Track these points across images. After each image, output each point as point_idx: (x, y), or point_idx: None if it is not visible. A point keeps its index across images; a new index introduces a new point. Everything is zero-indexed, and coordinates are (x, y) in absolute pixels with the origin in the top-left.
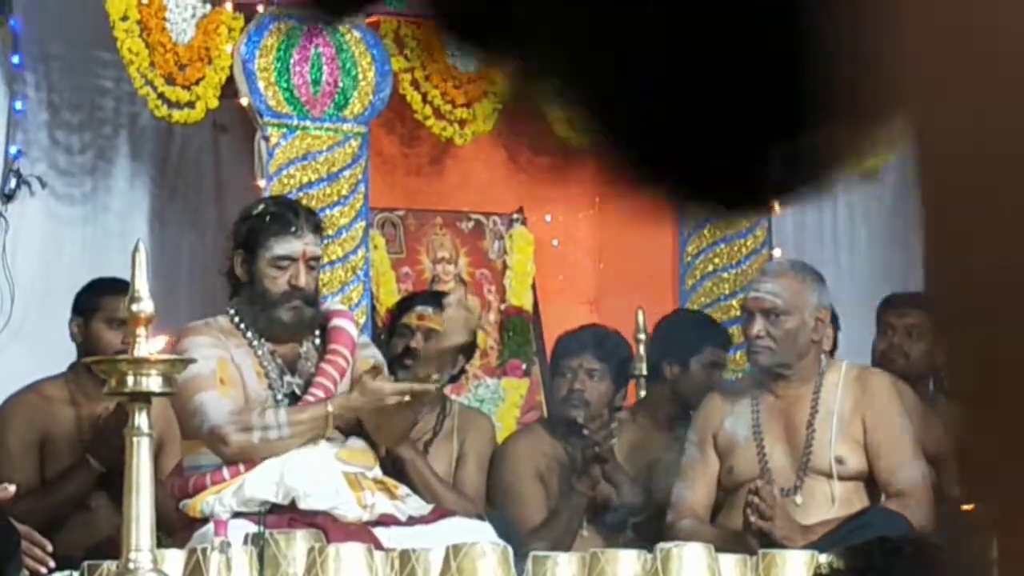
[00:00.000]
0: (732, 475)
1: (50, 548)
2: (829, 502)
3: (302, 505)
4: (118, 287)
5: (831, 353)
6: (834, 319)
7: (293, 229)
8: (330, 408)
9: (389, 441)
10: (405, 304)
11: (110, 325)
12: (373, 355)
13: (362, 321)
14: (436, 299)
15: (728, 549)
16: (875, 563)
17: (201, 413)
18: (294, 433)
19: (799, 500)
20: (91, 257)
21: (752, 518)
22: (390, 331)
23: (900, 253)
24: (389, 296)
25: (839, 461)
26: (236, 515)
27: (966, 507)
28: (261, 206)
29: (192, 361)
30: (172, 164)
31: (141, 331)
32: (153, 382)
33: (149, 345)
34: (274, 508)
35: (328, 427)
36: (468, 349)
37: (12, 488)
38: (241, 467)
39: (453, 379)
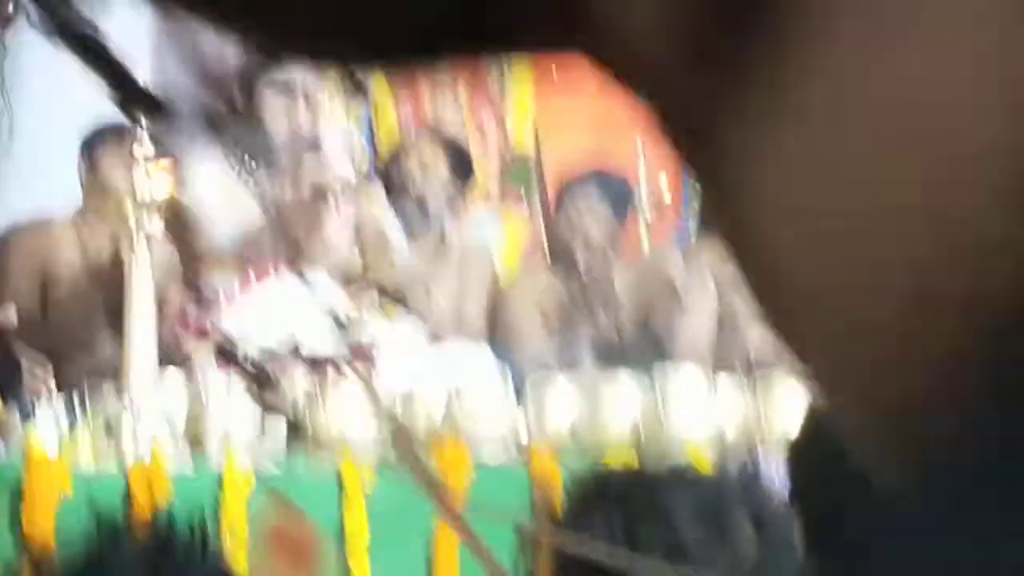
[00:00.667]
0: (731, 309)
1: (50, 370)
2: None
3: (305, 352)
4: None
5: None
6: None
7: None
8: None
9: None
10: (403, 144)
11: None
12: (374, 189)
13: (363, 159)
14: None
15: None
16: None
17: (206, 232)
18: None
19: None
20: (95, 89)
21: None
22: (388, 171)
23: None
24: (389, 135)
25: None
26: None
27: None
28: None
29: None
30: None
31: (148, 174)
32: (155, 225)
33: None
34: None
35: None
36: (463, 185)
37: (13, 316)
38: (236, 292)
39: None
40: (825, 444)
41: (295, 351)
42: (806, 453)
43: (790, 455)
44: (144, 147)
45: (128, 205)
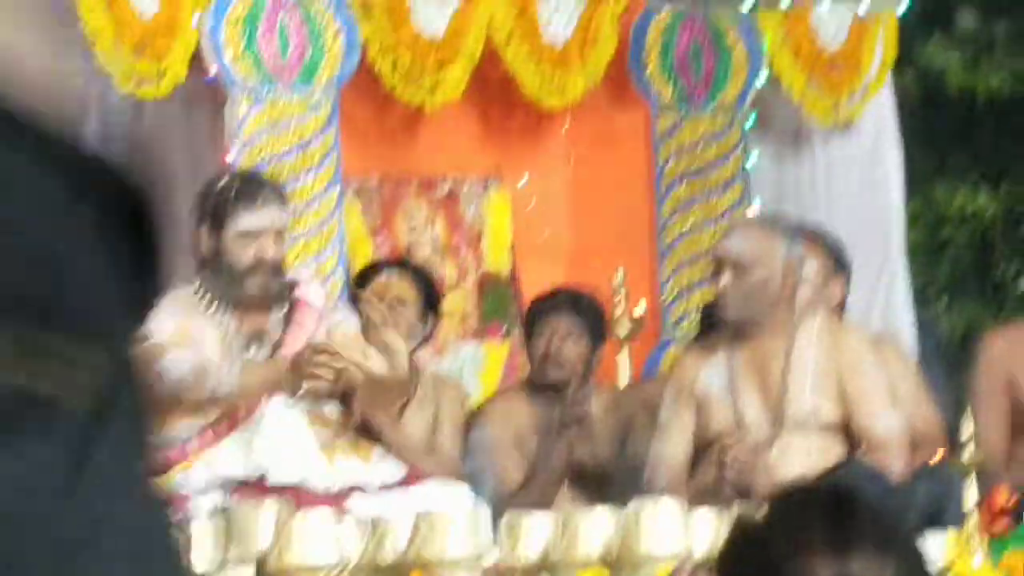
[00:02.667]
0: (708, 430)
1: None
2: (806, 454)
3: (272, 481)
4: None
5: (840, 306)
6: (845, 270)
7: (257, 202)
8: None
9: (376, 408)
10: (369, 271)
11: None
12: (345, 318)
13: (337, 290)
14: (400, 265)
15: (706, 503)
16: (794, 511)
17: (167, 372)
18: (246, 382)
19: (775, 453)
20: None
21: (733, 472)
22: (357, 300)
23: (880, 205)
24: (364, 264)
25: (815, 413)
26: (206, 491)
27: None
28: (224, 179)
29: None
30: (142, 141)
31: None
32: None
33: None
34: (243, 482)
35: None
36: (435, 311)
37: None
38: (210, 434)
39: (422, 343)
40: (752, 555)
41: (263, 481)
42: (733, 567)
43: (718, 566)
44: None
45: None
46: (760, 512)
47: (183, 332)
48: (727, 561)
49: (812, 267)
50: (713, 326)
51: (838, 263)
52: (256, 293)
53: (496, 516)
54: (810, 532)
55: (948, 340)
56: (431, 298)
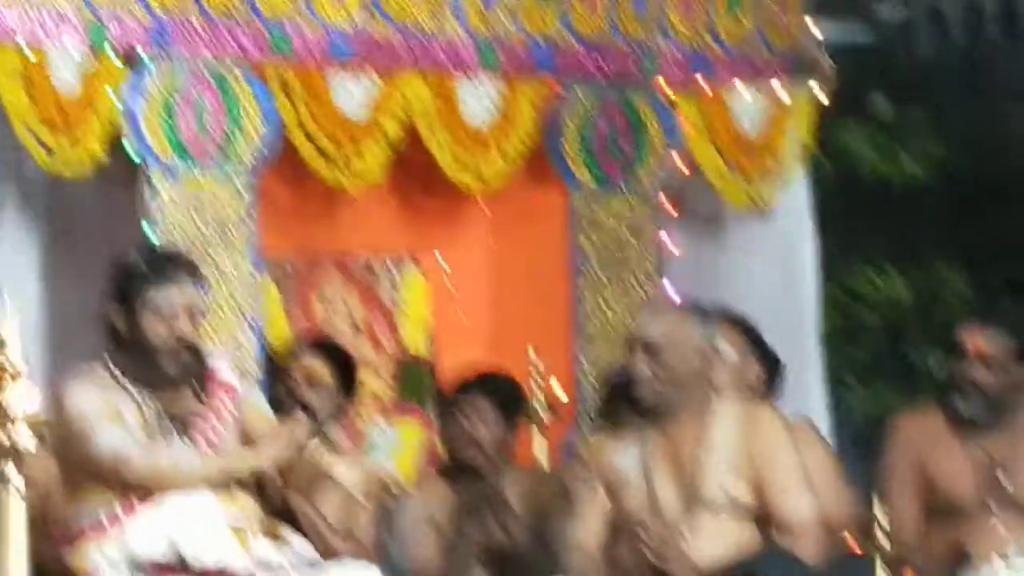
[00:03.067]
0: (623, 514)
1: None
2: (719, 538)
3: (191, 564)
4: None
5: (769, 391)
6: (770, 359)
7: (170, 279)
8: (264, 460)
9: (289, 488)
10: (288, 352)
11: None
12: (257, 397)
13: (253, 369)
14: (316, 345)
15: None
16: None
17: (102, 445)
18: (195, 465)
19: (689, 536)
20: None
21: (649, 555)
22: (274, 379)
23: (795, 290)
24: (282, 343)
25: (728, 496)
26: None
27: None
28: (133, 256)
29: (64, 417)
30: (60, 215)
31: (10, 387)
32: (22, 438)
33: (22, 400)
34: (160, 566)
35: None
36: (350, 393)
37: None
38: (120, 513)
39: (338, 419)
40: None
41: (180, 564)
42: None
43: None
44: (8, 360)
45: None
46: None
47: (108, 406)
48: None
49: (727, 350)
50: (616, 402)
51: (754, 345)
52: (171, 371)
53: None
54: None
55: (862, 424)
56: (347, 377)
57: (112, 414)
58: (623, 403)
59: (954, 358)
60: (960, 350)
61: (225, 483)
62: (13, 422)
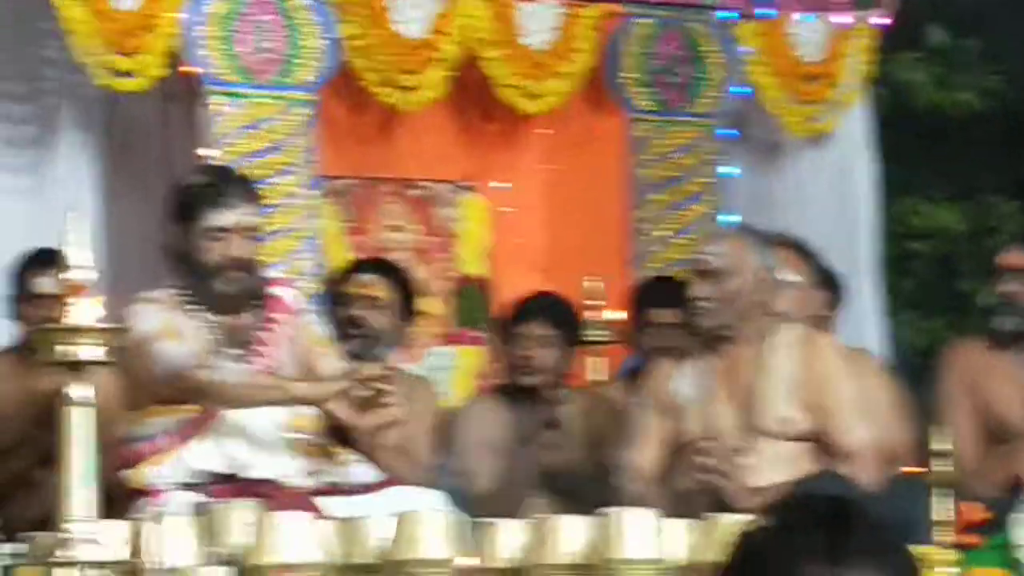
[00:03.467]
0: (680, 438)
1: None
2: (777, 463)
3: (245, 475)
4: (38, 260)
5: (830, 319)
6: (833, 286)
7: (225, 199)
8: (295, 391)
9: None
10: (346, 272)
11: (30, 301)
12: (315, 321)
13: (312, 290)
14: (376, 266)
15: (676, 512)
16: (793, 520)
17: (160, 360)
18: (253, 383)
19: (747, 461)
20: (37, 229)
21: (702, 476)
22: (332, 299)
23: (852, 218)
24: (339, 265)
25: (786, 422)
26: (180, 486)
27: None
28: (192, 178)
29: (125, 329)
30: (118, 134)
31: (75, 300)
32: (88, 351)
33: (87, 314)
34: (217, 478)
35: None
36: (409, 315)
37: None
38: (180, 431)
39: (398, 344)
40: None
41: (237, 479)
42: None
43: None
44: (74, 273)
45: (64, 333)
46: (761, 522)
47: (169, 326)
48: (728, 570)
49: (790, 275)
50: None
51: (818, 271)
52: (226, 291)
53: (468, 520)
54: (809, 541)
55: (911, 354)
56: (408, 300)
57: (173, 332)
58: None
59: (994, 279)
60: (999, 269)
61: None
62: (79, 337)
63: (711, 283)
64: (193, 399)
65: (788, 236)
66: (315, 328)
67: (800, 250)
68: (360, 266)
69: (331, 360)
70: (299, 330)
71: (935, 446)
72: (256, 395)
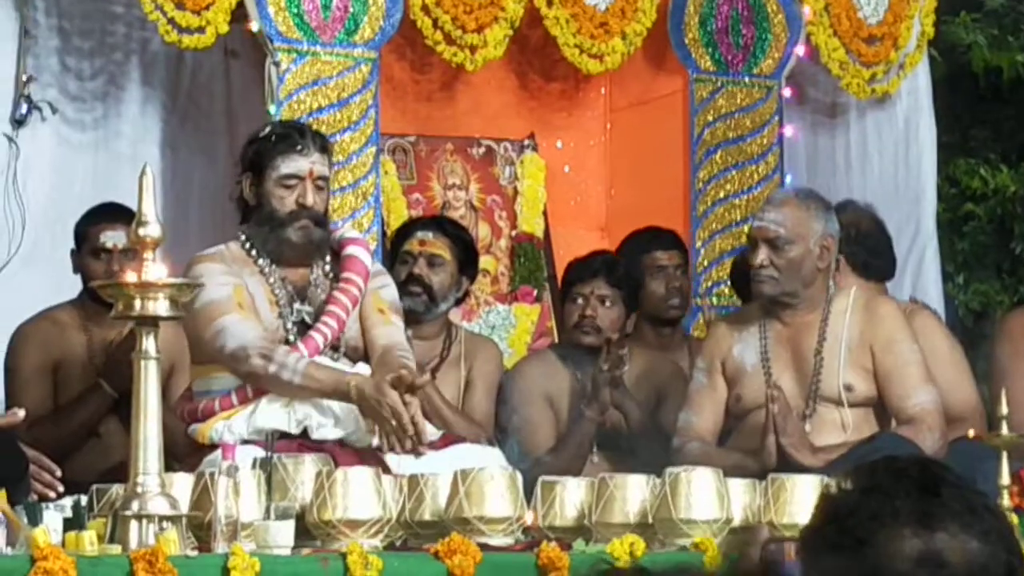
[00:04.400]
0: (740, 403)
1: (58, 473)
2: (839, 429)
3: (315, 435)
4: (105, 215)
5: (883, 279)
6: (885, 245)
7: (299, 148)
8: (351, 388)
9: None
10: (406, 229)
11: (95, 255)
12: (386, 284)
13: (373, 247)
14: (437, 223)
15: (735, 474)
16: (881, 483)
17: (224, 335)
18: (305, 384)
19: (809, 427)
20: (102, 183)
21: (772, 434)
22: (392, 257)
23: (913, 179)
24: (399, 222)
25: (848, 388)
26: (246, 442)
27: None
28: (267, 128)
29: (199, 285)
30: (183, 90)
31: (148, 255)
32: (160, 306)
33: (158, 270)
34: (284, 435)
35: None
36: (471, 272)
37: (22, 413)
38: (250, 392)
39: (457, 302)
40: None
41: (304, 436)
42: (816, 539)
43: (801, 541)
44: (147, 229)
45: (132, 288)
46: (846, 484)
47: (239, 293)
48: (812, 532)
49: (851, 239)
50: (744, 293)
51: (878, 235)
52: (298, 242)
53: (528, 478)
54: (897, 505)
55: (965, 316)
56: (467, 258)
57: (242, 301)
58: (742, 292)
59: None
60: None
61: (349, 359)
62: (151, 292)
63: (774, 250)
64: (247, 381)
65: (847, 199)
66: (386, 291)
67: (859, 212)
68: (420, 224)
69: (389, 330)
70: (369, 290)
71: (999, 411)
72: (309, 392)
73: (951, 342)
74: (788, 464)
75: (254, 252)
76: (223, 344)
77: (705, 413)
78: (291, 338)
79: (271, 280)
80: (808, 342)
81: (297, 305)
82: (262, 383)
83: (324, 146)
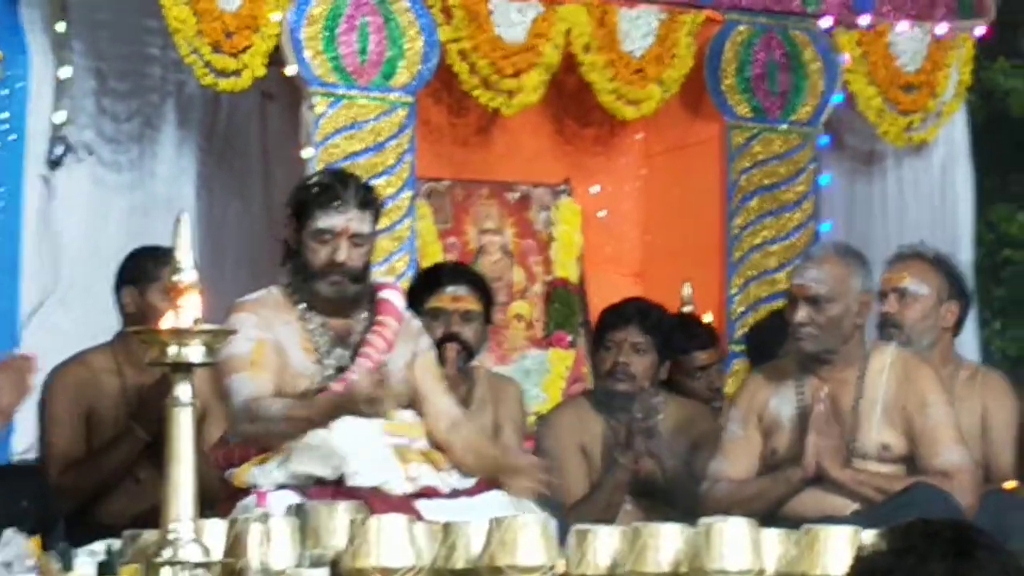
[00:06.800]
0: (775, 456)
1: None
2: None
3: (351, 483)
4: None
5: (955, 332)
6: (964, 298)
7: (337, 203)
8: (363, 389)
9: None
10: (430, 280)
11: (166, 295)
12: (431, 345)
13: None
14: (462, 275)
15: (760, 503)
16: (915, 545)
17: (230, 393)
18: (291, 429)
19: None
20: (137, 224)
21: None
22: (422, 312)
23: (950, 227)
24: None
25: (884, 447)
26: (280, 487)
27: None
28: (315, 177)
29: (233, 332)
30: (219, 132)
31: (183, 301)
32: (194, 352)
33: (193, 313)
34: (319, 481)
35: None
36: (492, 316)
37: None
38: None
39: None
40: None
41: (339, 483)
42: None
43: None
44: (184, 273)
45: (168, 331)
46: (880, 544)
47: (260, 350)
48: None
49: (919, 289)
50: (762, 349)
51: (954, 287)
52: (330, 296)
53: (561, 525)
54: (931, 568)
55: (1002, 364)
56: (489, 302)
57: (254, 359)
58: (778, 346)
59: None
60: None
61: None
62: (186, 338)
63: (814, 308)
64: (253, 445)
65: (920, 247)
66: (434, 353)
67: (930, 260)
68: (447, 276)
69: (449, 401)
70: (421, 350)
71: None
72: (304, 423)
73: (1011, 403)
74: (820, 481)
75: (296, 297)
76: (230, 400)
77: (739, 462)
78: (331, 384)
79: (311, 327)
80: (845, 398)
81: (338, 350)
82: (262, 442)
83: (366, 201)
